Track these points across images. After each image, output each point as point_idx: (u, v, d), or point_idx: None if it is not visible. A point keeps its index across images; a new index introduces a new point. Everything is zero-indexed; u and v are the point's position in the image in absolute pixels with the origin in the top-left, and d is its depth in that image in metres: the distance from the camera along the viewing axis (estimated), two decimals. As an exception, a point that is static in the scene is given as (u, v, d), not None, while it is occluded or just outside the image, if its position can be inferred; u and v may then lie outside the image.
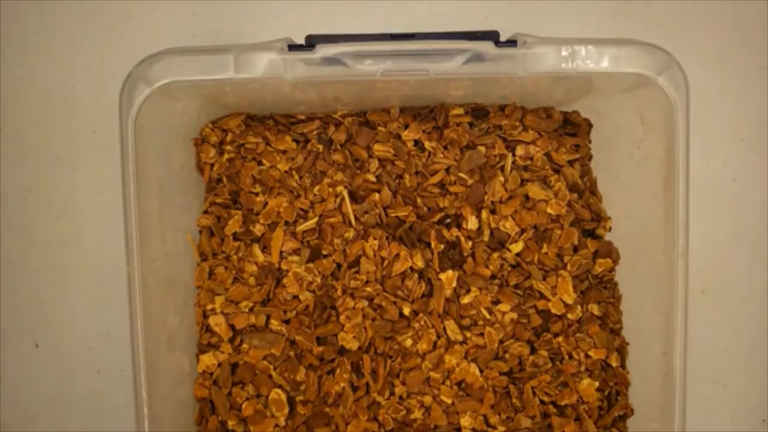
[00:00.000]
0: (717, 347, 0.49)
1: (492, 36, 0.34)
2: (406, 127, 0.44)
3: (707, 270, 0.48)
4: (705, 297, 0.49)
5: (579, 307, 0.43)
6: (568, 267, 0.43)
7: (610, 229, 0.45)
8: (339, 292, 0.43)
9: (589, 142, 0.46)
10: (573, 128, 0.45)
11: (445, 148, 0.44)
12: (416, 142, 0.45)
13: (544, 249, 0.44)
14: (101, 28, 0.49)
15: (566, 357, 0.43)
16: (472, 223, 0.43)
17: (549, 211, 0.43)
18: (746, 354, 0.49)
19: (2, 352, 0.49)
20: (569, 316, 0.43)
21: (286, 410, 0.42)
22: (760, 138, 0.49)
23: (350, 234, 0.43)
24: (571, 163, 0.45)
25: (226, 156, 0.44)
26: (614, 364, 0.43)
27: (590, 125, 0.45)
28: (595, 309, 0.44)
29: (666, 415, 0.37)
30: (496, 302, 0.43)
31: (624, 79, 0.36)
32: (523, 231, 0.44)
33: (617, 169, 0.44)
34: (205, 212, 0.44)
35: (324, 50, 0.34)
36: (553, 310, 0.43)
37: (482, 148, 0.44)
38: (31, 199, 0.49)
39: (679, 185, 0.36)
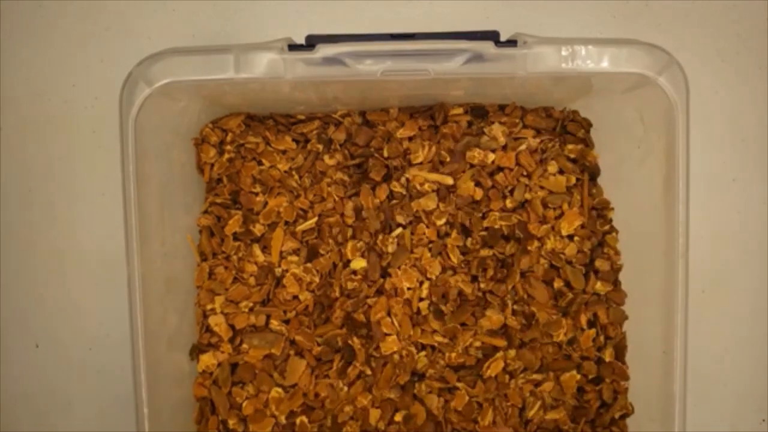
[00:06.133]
0: (717, 347, 0.49)
1: (492, 36, 0.34)
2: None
3: (707, 270, 0.48)
4: (705, 297, 0.49)
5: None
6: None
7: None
8: (336, 293, 0.43)
9: (590, 142, 0.46)
10: (573, 128, 0.45)
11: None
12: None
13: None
14: (101, 28, 0.49)
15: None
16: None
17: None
18: (746, 354, 0.49)
19: (2, 351, 0.49)
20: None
21: (287, 410, 0.42)
22: (760, 138, 0.49)
23: (348, 233, 0.44)
24: (571, 162, 0.45)
25: (226, 156, 0.44)
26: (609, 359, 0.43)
27: (590, 125, 0.45)
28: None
29: (666, 415, 0.37)
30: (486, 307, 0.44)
31: (624, 79, 0.36)
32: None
33: (617, 169, 0.44)
34: (205, 212, 0.44)
35: (324, 50, 0.34)
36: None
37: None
38: (31, 199, 0.49)
39: (679, 185, 0.36)
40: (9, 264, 0.49)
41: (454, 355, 0.43)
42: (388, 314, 0.43)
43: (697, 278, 0.47)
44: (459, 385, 0.43)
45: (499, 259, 0.44)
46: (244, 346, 0.43)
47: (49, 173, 0.49)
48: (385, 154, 0.44)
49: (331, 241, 0.43)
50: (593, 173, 0.45)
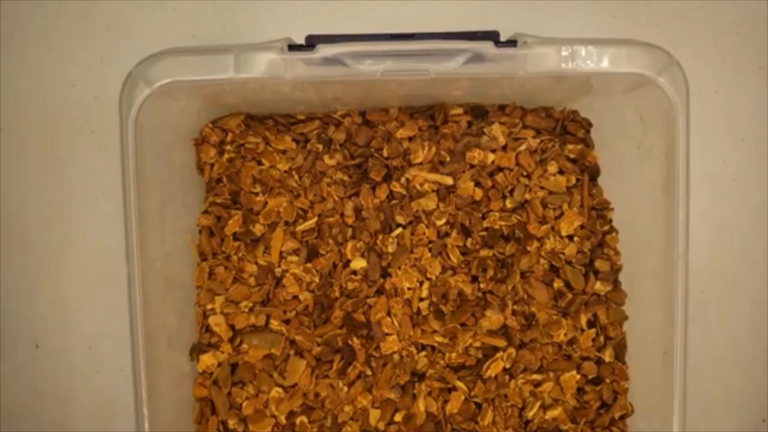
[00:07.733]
0: (717, 347, 0.49)
1: (492, 36, 0.34)
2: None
3: (707, 270, 0.48)
4: (705, 297, 0.48)
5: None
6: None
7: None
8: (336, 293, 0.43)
9: (589, 142, 0.46)
10: (573, 128, 0.45)
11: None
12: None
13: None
14: (101, 28, 0.49)
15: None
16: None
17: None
18: (746, 354, 0.49)
19: (2, 352, 0.49)
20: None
21: (287, 409, 0.42)
22: (760, 138, 0.49)
23: (348, 233, 0.44)
24: (571, 162, 0.45)
25: (226, 156, 0.44)
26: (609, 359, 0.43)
27: (590, 125, 0.45)
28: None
29: (666, 415, 0.37)
30: (485, 307, 0.44)
31: (624, 79, 0.36)
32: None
33: (617, 169, 0.44)
34: (205, 212, 0.44)
35: (324, 50, 0.34)
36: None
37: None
38: (31, 199, 0.49)
39: (679, 185, 0.36)
40: (9, 264, 0.49)
41: (454, 355, 0.43)
42: (388, 314, 0.43)
43: (697, 278, 0.47)
44: (459, 385, 0.43)
45: (499, 260, 0.44)
46: (244, 346, 0.43)
47: (49, 173, 0.49)
48: (385, 154, 0.44)
49: (331, 241, 0.43)
50: (593, 173, 0.45)
